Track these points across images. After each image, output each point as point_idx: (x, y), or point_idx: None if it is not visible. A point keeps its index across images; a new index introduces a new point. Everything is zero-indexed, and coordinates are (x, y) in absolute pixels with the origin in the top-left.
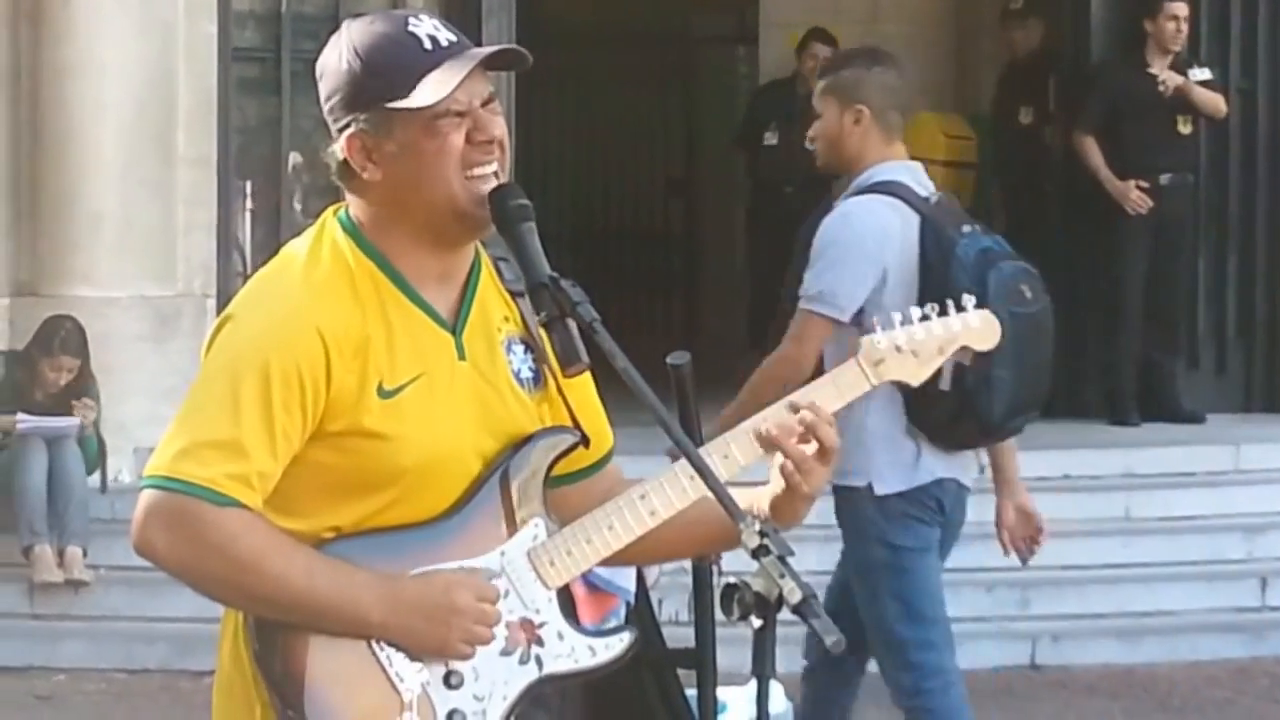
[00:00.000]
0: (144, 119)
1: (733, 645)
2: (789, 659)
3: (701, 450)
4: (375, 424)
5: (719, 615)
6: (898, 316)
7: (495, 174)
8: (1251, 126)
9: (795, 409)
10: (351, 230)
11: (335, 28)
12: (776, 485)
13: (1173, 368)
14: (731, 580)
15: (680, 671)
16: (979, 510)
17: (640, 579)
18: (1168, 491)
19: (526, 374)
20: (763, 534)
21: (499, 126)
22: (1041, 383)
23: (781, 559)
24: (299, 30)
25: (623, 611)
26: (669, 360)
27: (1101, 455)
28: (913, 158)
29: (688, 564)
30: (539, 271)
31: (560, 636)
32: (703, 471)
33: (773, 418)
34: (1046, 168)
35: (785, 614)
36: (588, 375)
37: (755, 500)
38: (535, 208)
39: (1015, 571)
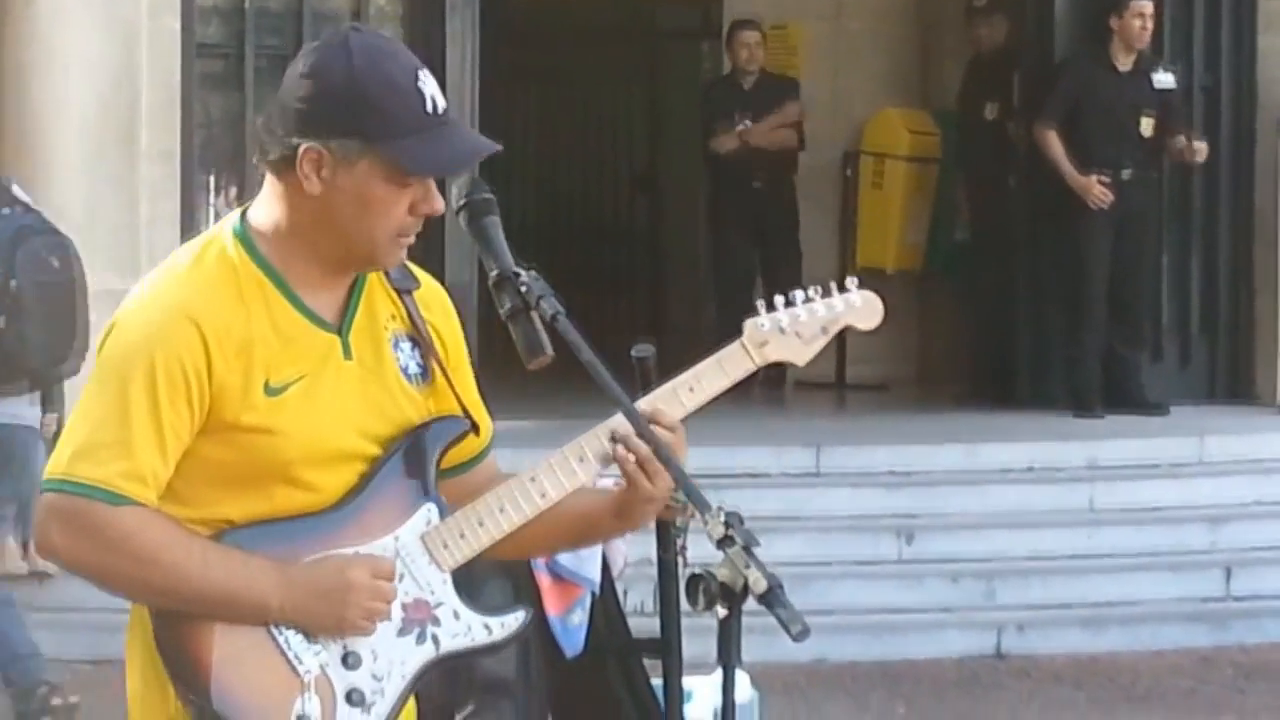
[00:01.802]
0: (107, 114)
1: (698, 635)
2: (754, 648)
3: (558, 453)
4: (261, 419)
5: (684, 605)
6: (780, 299)
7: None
8: (1214, 123)
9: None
10: (243, 237)
11: (299, 23)
12: (622, 485)
13: (1137, 360)
14: (697, 570)
15: (646, 661)
16: (943, 502)
17: (605, 569)
18: (1132, 482)
19: (414, 369)
20: (728, 524)
21: (442, 203)
22: (71, 337)
23: (747, 549)
24: (262, 25)
25: (588, 601)
26: (633, 353)
27: (1066, 446)
28: (876, 153)
29: (653, 554)
30: (504, 264)
31: (456, 616)
32: (668, 463)
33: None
34: (1011, 163)
35: (751, 603)
36: (469, 370)
37: (598, 504)
38: (500, 202)
39: (981, 562)
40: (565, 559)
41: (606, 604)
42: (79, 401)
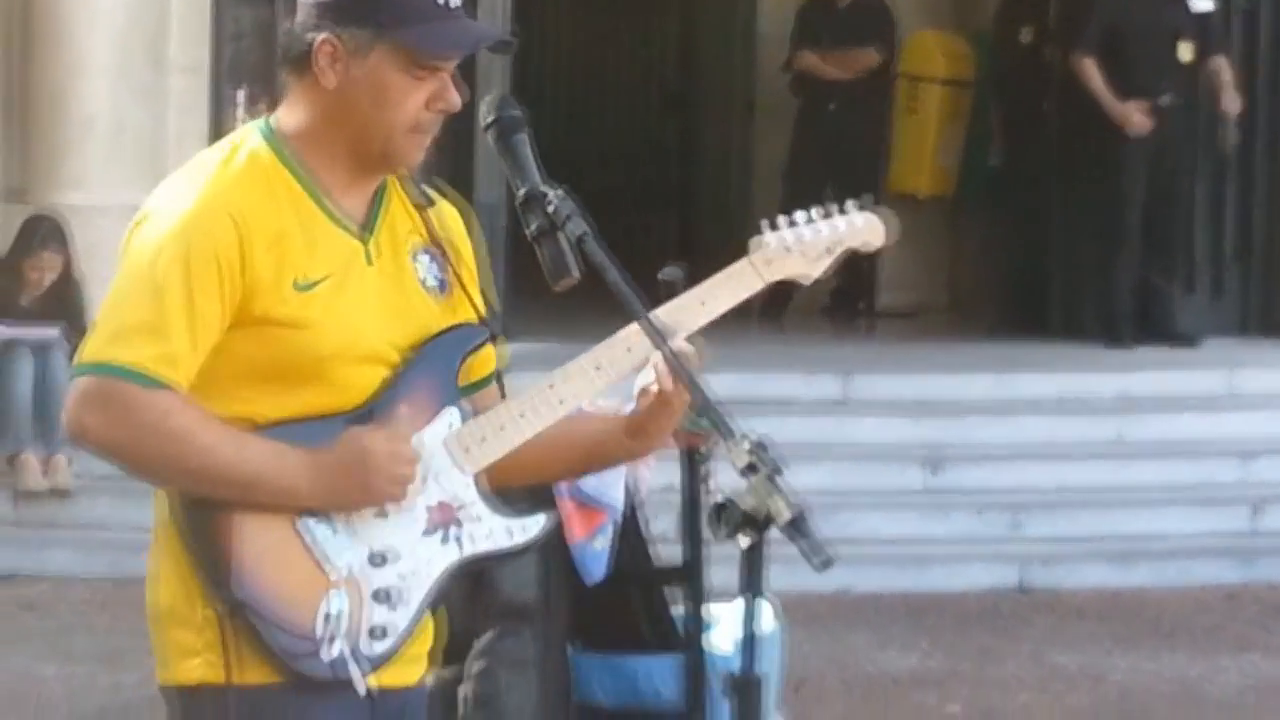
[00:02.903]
0: (136, 25)
1: (723, 563)
2: (778, 578)
3: (575, 362)
4: (293, 314)
5: (708, 533)
6: (784, 219)
7: (433, 133)
8: (1252, 48)
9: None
10: (270, 138)
11: None
12: (646, 400)
13: (1169, 290)
14: (721, 499)
15: (668, 589)
16: (971, 432)
17: (629, 495)
18: (1162, 415)
19: (432, 282)
20: (753, 451)
21: (459, 100)
22: None
23: (771, 477)
24: None
25: (610, 528)
26: (661, 275)
27: (1096, 378)
28: (911, 75)
29: (678, 481)
30: (532, 183)
31: (479, 519)
32: (696, 388)
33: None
34: (1046, 88)
35: (776, 532)
36: (487, 292)
37: (610, 424)
38: (530, 121)
39: (1006, 494)
40: (589, 484)
41: (629, 531)
42: (111, 290)
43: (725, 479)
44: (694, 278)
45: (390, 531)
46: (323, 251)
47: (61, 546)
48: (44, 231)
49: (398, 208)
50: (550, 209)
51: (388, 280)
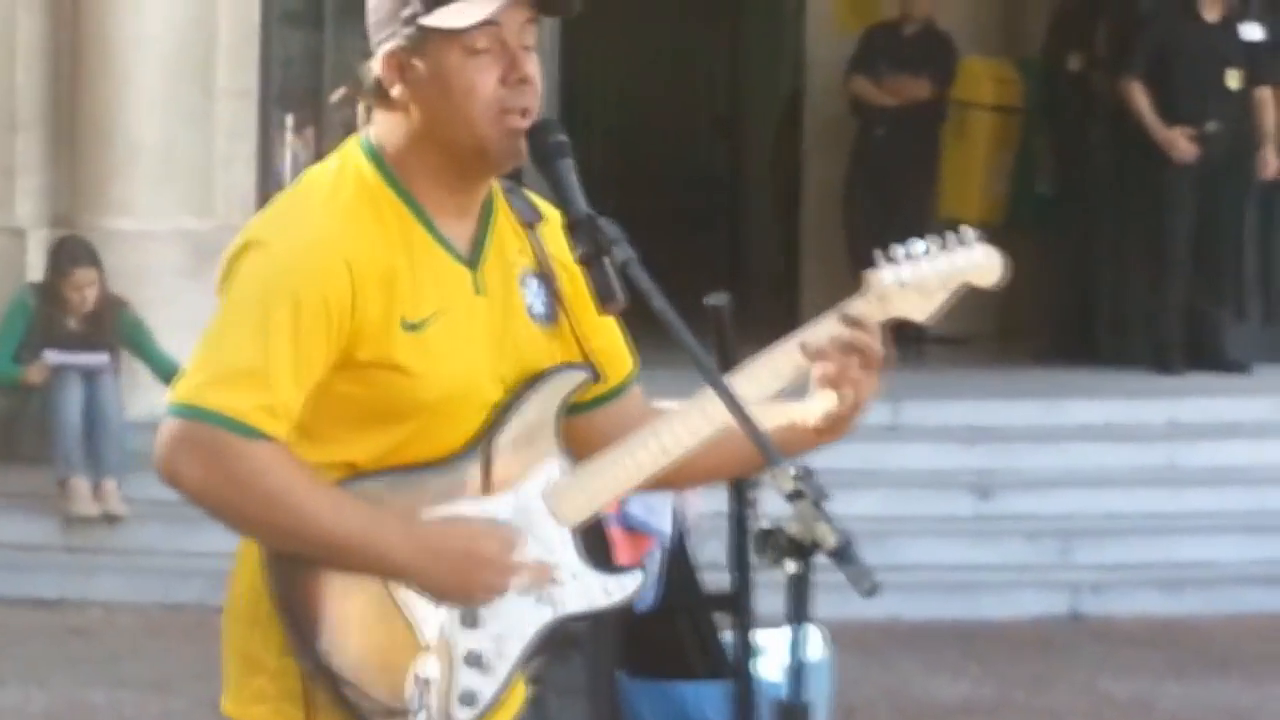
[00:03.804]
0: (185, 50)
1: (775, 590)
2: (829, 605)
3: (749, 363)
4: (399, 358)
5: (755, 560)
6: (901, 251)
7: (525, 112)
8: None
9: (846, 321)
10: (374, 157)
11: None
12: (825, 399)
13: (1219, 317)
14: (767, 525)
15: (717, 616)
16: (1020, 459)
17: (677, 521)
18: (1212, 442)
19: (540, 309)
20: (798, 478)
21: (531, 64)
22: None
23: (817, 503)
24: None
25: (659, 554)
26: (707, 301)
27: (1146, 404)
28: (959, 101)
29: (725, 507)
30: (576, 209)
31: (575, 576)
32: (738, 412)
33: (819, 329)
34: (1095, 114)
35: (827, 560)
36: None
37: (804, 413)
38: (577, 145)
39: (1056, 521)
40: (636, 510)
41: (677, 557)
42: (213, 323)
43: (772, 506)
44: (742, 301)
45: None
46: (431, 284)
47: (111, 572)
48: (70, 251)
49: (505, 228)
50: (596, 234)
51: (496, 310)
